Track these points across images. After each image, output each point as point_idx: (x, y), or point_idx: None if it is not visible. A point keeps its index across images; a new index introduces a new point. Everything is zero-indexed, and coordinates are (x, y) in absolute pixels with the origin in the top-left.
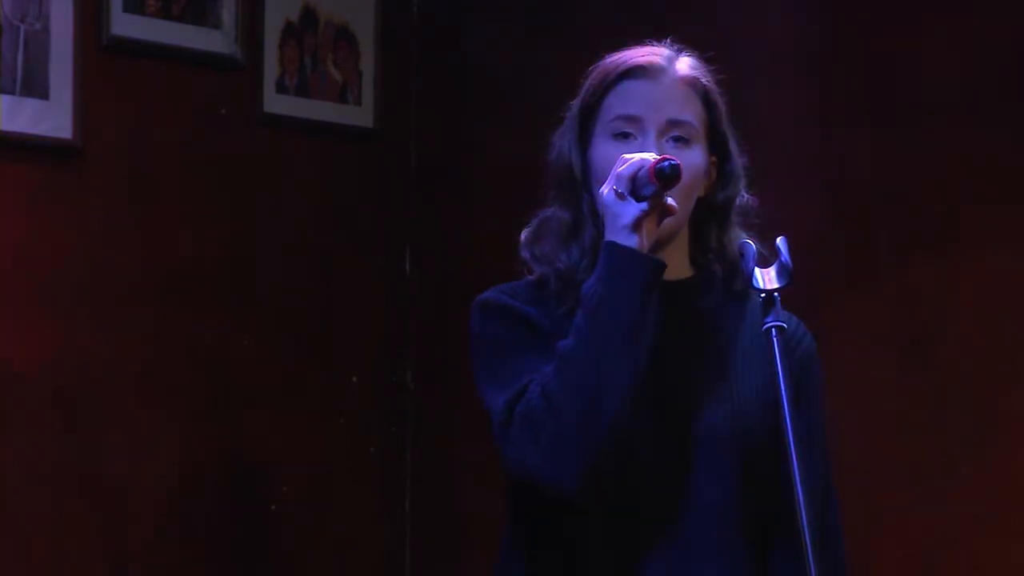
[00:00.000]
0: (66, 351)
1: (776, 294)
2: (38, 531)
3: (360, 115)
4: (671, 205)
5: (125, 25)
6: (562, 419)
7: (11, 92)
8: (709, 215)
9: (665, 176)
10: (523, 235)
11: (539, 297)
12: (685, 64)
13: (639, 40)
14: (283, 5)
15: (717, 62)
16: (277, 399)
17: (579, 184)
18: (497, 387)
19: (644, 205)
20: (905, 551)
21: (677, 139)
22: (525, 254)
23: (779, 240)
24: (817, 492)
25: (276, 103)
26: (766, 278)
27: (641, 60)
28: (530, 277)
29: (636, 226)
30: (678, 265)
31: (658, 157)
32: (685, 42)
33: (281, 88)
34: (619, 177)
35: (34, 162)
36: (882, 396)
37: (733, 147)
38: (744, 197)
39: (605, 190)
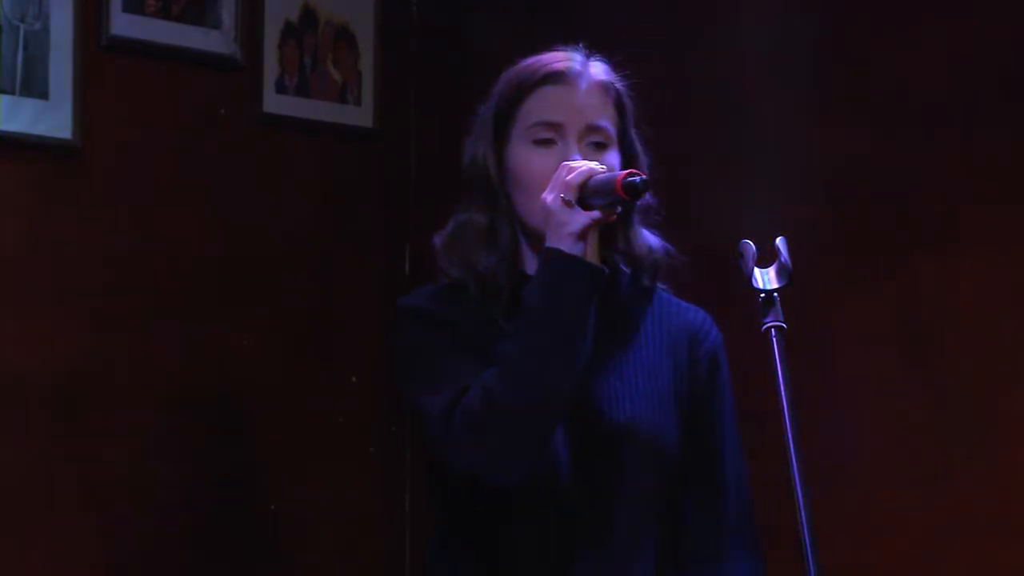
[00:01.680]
0: (65, 351)
1: (775, 294)
2: (36, 531)
3: (360, 115)
4: (616, 213)
5: (125, 25)
6: (509, 421)
7: (11, 92)
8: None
9: (636, 191)
10: (437, 240)
11: (458, 301)
12: (599, 69)
13: (639, 40)
14: (283, 5)
15: (716, 62)
16: (277, 399)
17: (496, 188)
18: (431, 390)
19: (596, 214)
20: (905, 551)
21: (595, 144)
22: (442, 259)
23: (778, 240)
24: (744, 488)
25: (276, 103)
26: (766, 278)
27: (559, 66)
28: (445, 282)
29: (583, 234)
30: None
31: (624, 171)
32: (684, 42)
33: (281, 88)
34: (567, 185)
35: (34, 162)
36: (882, 396)
37: (640, 150)
38: (647, 197)
39: (549, 197)
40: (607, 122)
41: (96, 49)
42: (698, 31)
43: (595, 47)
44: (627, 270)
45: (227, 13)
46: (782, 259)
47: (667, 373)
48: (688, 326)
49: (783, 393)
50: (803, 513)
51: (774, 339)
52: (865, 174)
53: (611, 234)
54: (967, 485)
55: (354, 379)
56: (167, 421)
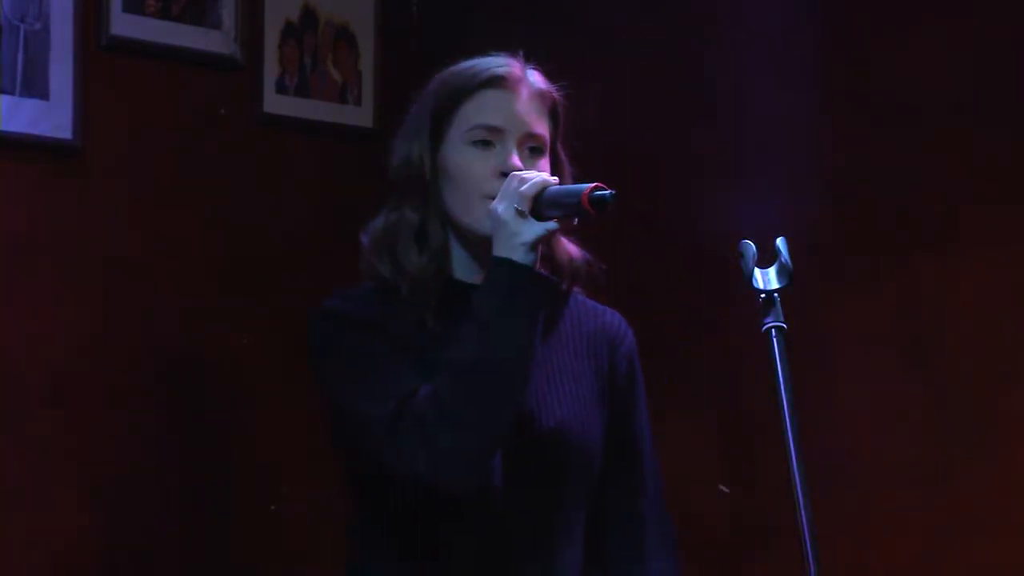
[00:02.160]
0: (65, 350)
1: (776, 295)
2: (34, 527)
3: (360, 115)
4: (574, 225)
5: (125, 25)
6: (459, 431)
7: (11, 92)
8: None
9: (604, 205)
10: (365, 239)
11: (384, 303)
12: (536, 76)
13: (639, 40)
14: (283, 5)
15: (715, 61)
16: (276, 398)
17: (429, 188)
18: (368, 395)
19: (552, 225)
20: (904, 551)
21: (532, 150)
22: (371, 257)
23: (779, 240)
24: (661, 487)
25: (276, 103)
26: (766, 278)
27: (502, 71)
28: (369, 284)
29: (535, 245)
30: None
31: (590, 184)
32: (683, 41)
33: (281, 88)
34: (522, 195)
35: (34, 162)
36: (881, 396)
37: (564, 157)
38: None
39: (500, 206)
40: (543, 130)
41: (96, 49)
42: (698, 30)
43: (595, 47)
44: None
45: (227, 13)
46: (782, 259)
47: (589, 376)
48: (605, 329)
49: (783, 393)
50: (803, 513)
51: (774, 339)
52: (865, 174)
53: None
54: (967, 485)
55: None
56: (166, 420)
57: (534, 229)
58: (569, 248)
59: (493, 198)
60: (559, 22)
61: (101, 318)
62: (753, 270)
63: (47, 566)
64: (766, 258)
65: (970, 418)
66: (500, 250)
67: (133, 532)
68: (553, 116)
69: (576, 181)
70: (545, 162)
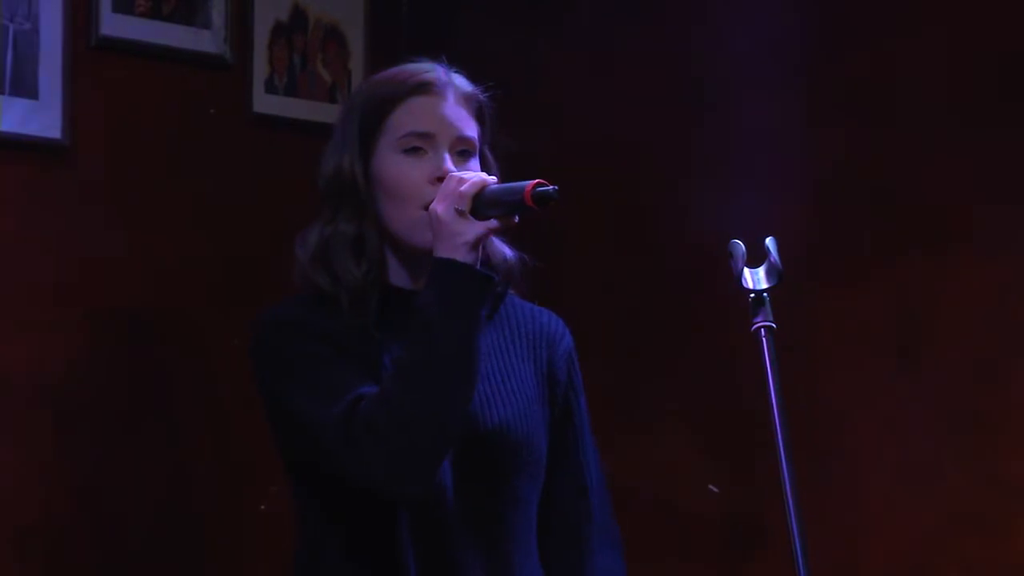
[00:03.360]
0: (55, 351)
1: (765, 295)
2: (27, 533)
3: None
4: (514, 222)
5: (114, 25)
6: (411, 431)
7: (0, 92)
8: None
9: (547, 201)
10: (300, 251)
11: (328, 311)
12: (461, 80)
13: (628, 41)
14: (272, 5)
15: (705, 61)
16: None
17: (364, 198)
18: (319, 402)
19: (493, 223)
20: (894, 551)
21: (463, 153)
22: (308, 270)
23: (768, 240)
24: (604, 484)
25: (265, 103)
26: (755, 278)
27: (428, 77)
28: (306, 294)
29: (476, 244)
30: None
31: (531, 181)
32: (673, 41)
33: (270, 88)
34: (461, 196)
35: (23, 162)
36: (871, 396)
37: (491, 157)
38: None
39: (440, 207)
40: (473, 134)
41: (86, 49)
42: (687, 31)
43: (583, 47)
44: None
45: (217, 13)
46: (772, 259)
47: (530, 377)
48: (544, 329)
49: (773, 393)
50: (793, 513)
51: (764, 339)
52: (854, 174)
53: None
54: (957, 485)
55: None
56: (157, 420)
57: (475, 228)
58: (502, 248)
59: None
60: (548, 21)
61: (89, 318)
62: (743, 270)
63: (38, 567)
64: (756, 258)
65: (959, 417)
66: (442, 251)
67: (124, 532)
68: (480, 118)
69: (504, 181)
70: (476, 164)
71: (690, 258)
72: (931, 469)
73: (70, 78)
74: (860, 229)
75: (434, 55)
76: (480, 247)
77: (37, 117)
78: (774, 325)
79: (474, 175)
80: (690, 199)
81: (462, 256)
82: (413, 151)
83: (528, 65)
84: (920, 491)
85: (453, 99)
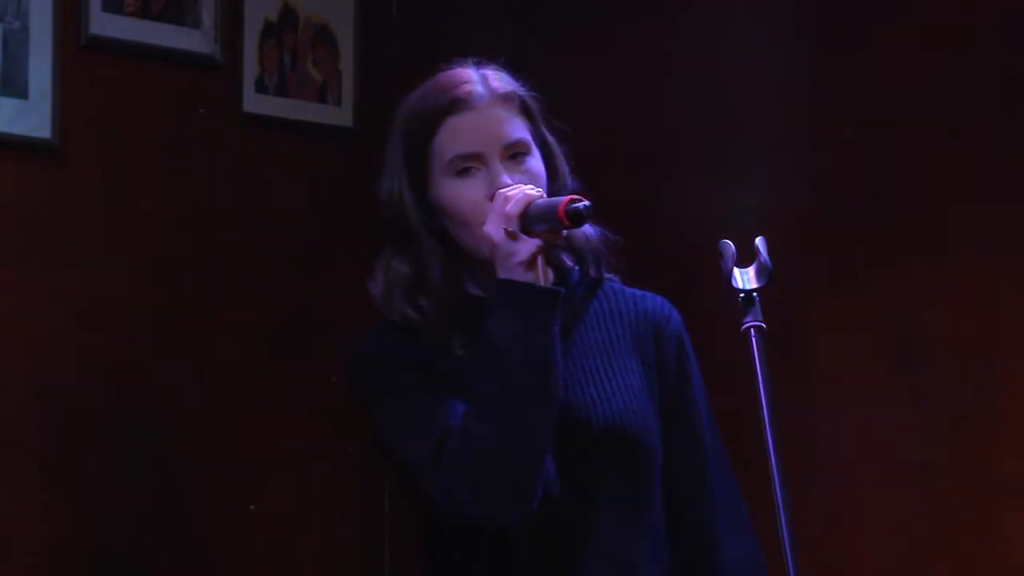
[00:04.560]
0: (45, 350)
1: (755, 294)
2: (18, 530)
3: (339, 115)
4: (562, 235)
5: (104, 24)
6: (494, 463)
7: None
8: None
9: (581, 218)
10: (373, 290)
11: (412, 338)
12: (496, 81)
13: (621, 40)
14: (262, 4)
15: (700, 60)
16: (255, 398)
17: (416, 229)
18: (410, 436)
19: (539, 241)
20: (884, 550)
21: (517, 155)
22: (385, 306)
23: (758, 240)
24: (727, 467)
25: (255, 102)
26: (745, 278)
27: (459, 93)
28: (389, 322)
29: (531, 262)
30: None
31: (564, 198)
32: (667, 40)
33: (260, 87)
34: (508, 216)
35: (13, 161)
36: (866, 396)
37: (553, 142)
38: (569, 186)
39: (491, 229)
40: (521, 132)
41: (75, 48)
42: (680, 27)
43: (574, 44)
44: (572, 265)
45: (207, 12)
46: (761, 259)
47: (637, 368)
48: (649, 316)
49: (762, 393)
50: (782, 513)
51: (753, 339)
52: (848, 174)
53: None
54: (949, 486)
55: (334, 379)
56: (146, 420)
57: (527, 247)
58: (585, 228)
59: None
60: (539, 20)
61: (80, 316)
62: (733, 269)
63: (29, 563)
64: (746, 257)
65: (951, 417)
66: (500, 272)
67: (111, 532)
68: (525, 112)
69: (570, 161)
70: (533, 159)
71: (680, 257)
72: (922, 469)
73: (60, 78)
74: (852, 230)
75: (461, 56)
76: (538, 262)
77: (27, 117)
78: (764, 325)
79: (519, 191)
80: (682, 199)
81: (519, 275)
82: (464, 172)
83: (519, 65)
84: (911, 491)
85: (490, 106)
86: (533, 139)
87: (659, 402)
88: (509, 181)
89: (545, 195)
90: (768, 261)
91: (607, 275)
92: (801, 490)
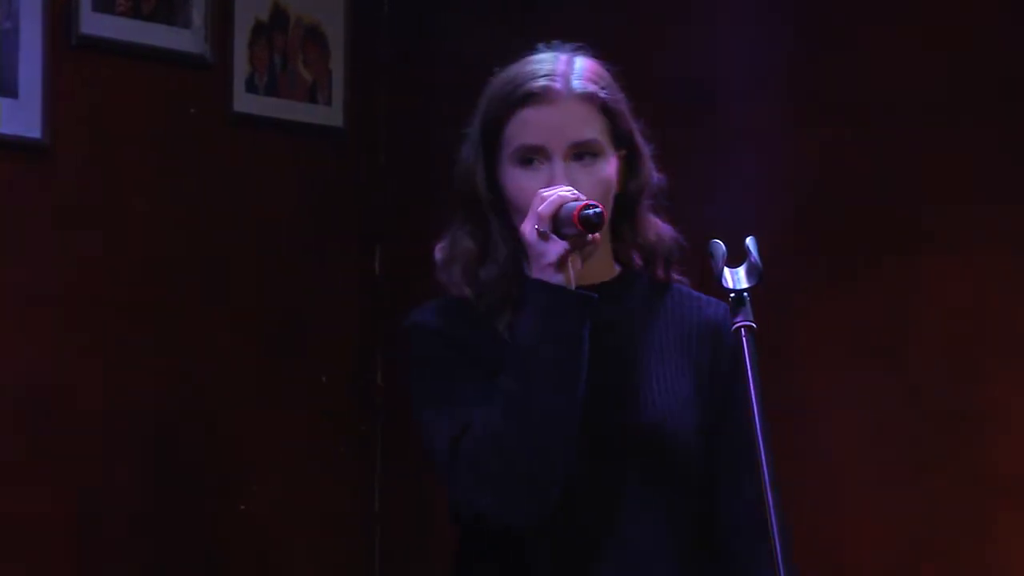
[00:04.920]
0: (36, 350)
1: (746, 294)
2: (7, 529)
3: (330, 115)
4: (594, 239)
5: (95, 24)
6: (514, 465)
7: None
8: (620, 208)
9: (591, 224)
10: (438, 255)
11: (466, 316)
12: (580, 78)
13: (609, 40)
14: (253, 4)
15: (687, 60)
16: (247, 398)
17: (485, 208)
18: (438, 417)
19: (567, 244)
20: (876, 550)
21: (583, 156)
22: (442, 276)
23: (748, 240)
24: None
25: (246, 102)
26: (735, 278)
27: (536, 86)
28: (448, 296)
29: (561, 264)
30: (602, 267)
31: (580, 203)
32: (655, 41)
33: (251, 87)
34: (540, 217)
35: (3, 161)
36: (853, 396)
37: (639, 140)
38: (653, 182)
39: (527, 228)
40: (593, 134)
41: (66, 48)
42: (670, 29)
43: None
44: (640, 263)
45: (197, 12)
46: (752, 259)
47: (689, 373)
48: (709, 323)
49: (753, 392)
50: (774, 514)
51: (744, 339)
52: (836, 175)
53: (620, 227)
54: (941, 486)
55: (324, 379)
56: (137, 420)
57: (556, 249)
58: (659, 227)
59: None
60: (529, 21)
61: (71, 317)
62: (723, 269)
63: (19, 565)
64: (736, 257)
65: (942, 417)
66: (533, 271)
67: (102, 532)
68: (606, 113)
69: (652, 153)
70: (601, 161)
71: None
72: (913, 468)
73: (50, 77)
74: (842, 230)
75: (557, 39)
76: (569, 263)
77: (17, 116)
78: (754, 325)
79: (554, 192)
80: (672, 198)
81: (550, 276)
82: (527, 163)
83: (509, 65)
84: (903, 490)
85: (567, 102)
86: (614, 142)
87: (709, 412)
88: (563, 181)
89: (583, 199)
90: (759, 261)
91: (676, 277)
92: (792, 488)
